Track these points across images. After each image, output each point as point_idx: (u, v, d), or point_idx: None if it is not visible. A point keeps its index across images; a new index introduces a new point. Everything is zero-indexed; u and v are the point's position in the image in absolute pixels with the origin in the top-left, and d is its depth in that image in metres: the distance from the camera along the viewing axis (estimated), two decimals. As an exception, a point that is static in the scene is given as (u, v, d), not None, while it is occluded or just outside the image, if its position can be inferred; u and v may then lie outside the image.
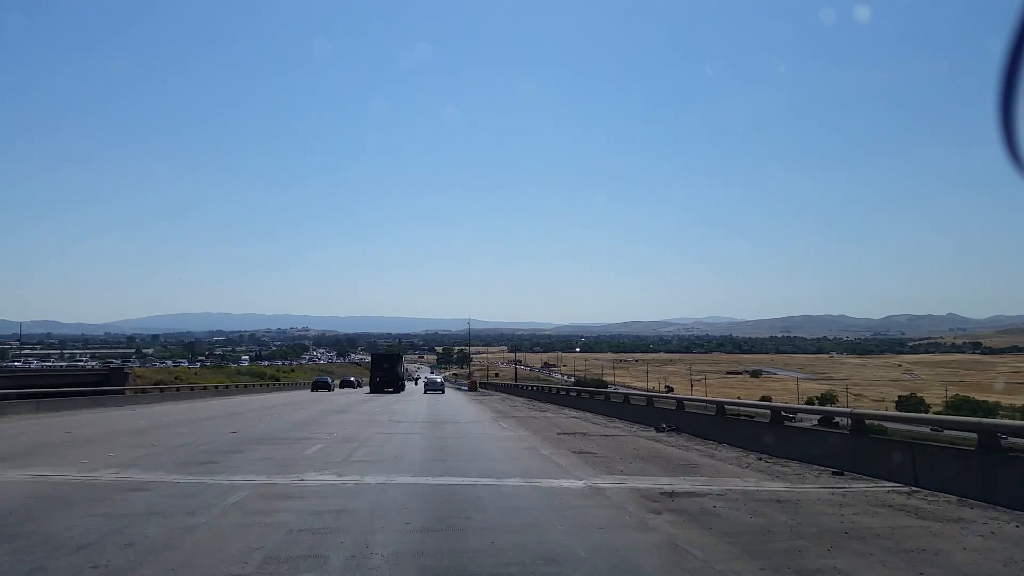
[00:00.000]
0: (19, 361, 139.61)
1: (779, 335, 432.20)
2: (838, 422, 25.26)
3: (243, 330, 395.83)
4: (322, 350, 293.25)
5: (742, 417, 18.31)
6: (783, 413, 14.25)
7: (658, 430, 18.79)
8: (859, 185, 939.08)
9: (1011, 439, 10.41)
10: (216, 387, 51.77)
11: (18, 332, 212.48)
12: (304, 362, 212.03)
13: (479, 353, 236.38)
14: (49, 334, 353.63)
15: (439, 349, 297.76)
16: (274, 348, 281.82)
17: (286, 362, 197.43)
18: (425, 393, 56.70)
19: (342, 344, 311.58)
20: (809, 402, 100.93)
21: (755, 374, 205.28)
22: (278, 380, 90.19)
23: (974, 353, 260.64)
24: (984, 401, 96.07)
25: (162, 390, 44.66)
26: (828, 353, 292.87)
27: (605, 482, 9.79)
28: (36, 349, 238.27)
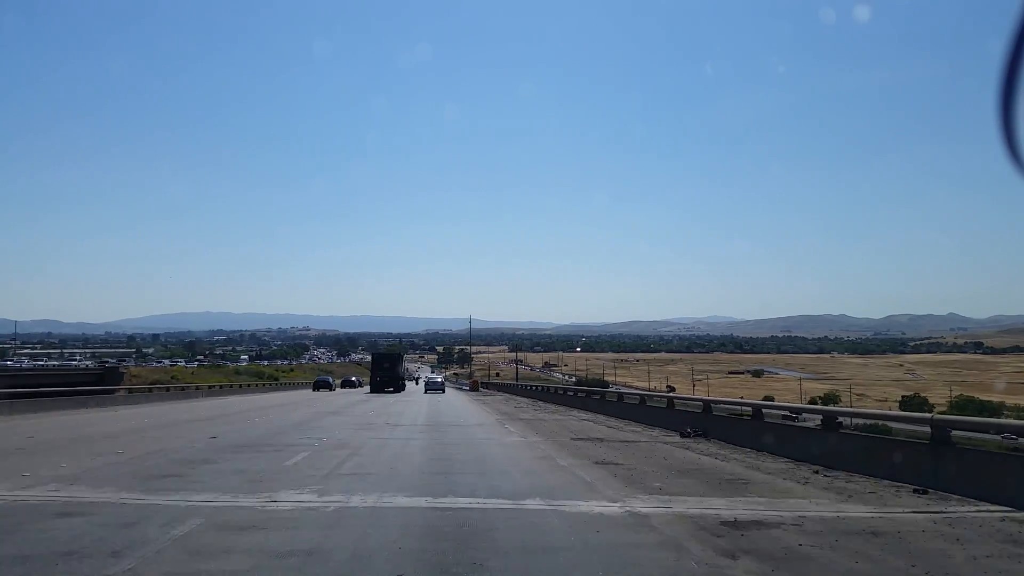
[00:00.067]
0: (11, 360, 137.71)
1: (780, 335, 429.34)
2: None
3: (244, 330, 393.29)
4: (323, 350, 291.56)
5: (788, 422, 16.47)
6: (837, 419, 12.37)
7: (682, 435, 17.00)
8: (859, 185, 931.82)
9: None
10: (210, 387, 50.05)
11: (18, 331, 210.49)
12: (304, 362, 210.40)
13: (480, 353, 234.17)
14: (50, 333, 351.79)
15: (440, 349, 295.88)
16: (275, 348, 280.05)
17: (286, 362, 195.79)
18: (425, 393, 56.10)
19: (343, 344, 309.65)
20: (812, 402, 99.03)
21: (757, 374, 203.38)
22: (277, 380, 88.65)
23: (976, 353, 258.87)
24: (988, 401, 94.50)
25: (151, 390, 43.02)
26: (829, 353, 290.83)
27: (645, 504, 7.97)
28: (36, 348, 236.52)
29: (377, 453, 13.42)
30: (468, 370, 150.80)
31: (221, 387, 52.66)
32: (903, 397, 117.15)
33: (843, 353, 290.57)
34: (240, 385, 59.40)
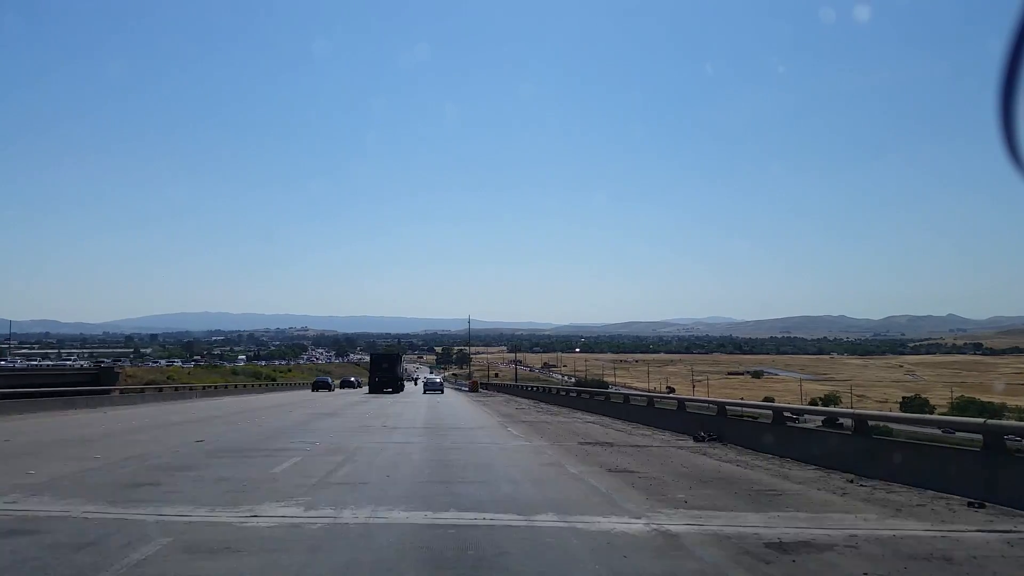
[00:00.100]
0: (6, 360, 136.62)
1: (779, 336, 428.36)
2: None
3: (242, 330, 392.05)
4: (321, 350, 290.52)
5: (815, 427, 15.55)
6: (869, 423, 11.43)
7: (696, 439, 16.12)
8: (859, 185, 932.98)
9: None
10: (205, 388, 49.13)
11: (16, 331, 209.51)
12: (303, 362, 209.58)
13: (479, 353, 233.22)
14: (47, 333, 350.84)
15: (438, 349, 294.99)
16: (273, 348, 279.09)
17: (284, 362, 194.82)
18: (424, 393, 55.47)
19: (341, 344, 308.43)
20: (813, 403, 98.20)
21: (756, 375, 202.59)
22: (274, 380, 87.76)
23: (975, 354, 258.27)
24: (989, 403, 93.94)
25: (144, 391, 42.12)
26: (829, 354, 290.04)
27: (673, 521, 7.05)
28: (33, 348, 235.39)
29: (373, 459, 12.52)
30: (467, 371, 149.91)
31: (217, 388, 51.75)
32: (903, 398, 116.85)
33: (842, 354, 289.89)
34: (236, 386, 58.47)
